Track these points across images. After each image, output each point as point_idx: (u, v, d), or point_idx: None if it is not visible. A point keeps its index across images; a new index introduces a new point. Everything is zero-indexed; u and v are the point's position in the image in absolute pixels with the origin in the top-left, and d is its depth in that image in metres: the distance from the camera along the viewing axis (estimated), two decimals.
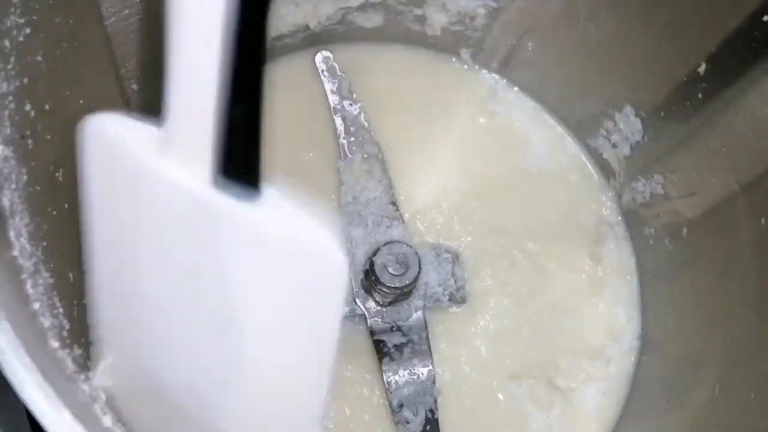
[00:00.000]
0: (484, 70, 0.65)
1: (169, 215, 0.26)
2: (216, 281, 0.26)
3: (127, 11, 0.45)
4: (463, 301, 0.58)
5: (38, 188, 0.38)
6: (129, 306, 0.31)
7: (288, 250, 0.25)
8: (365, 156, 0.60)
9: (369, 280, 0.54)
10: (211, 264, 0.26)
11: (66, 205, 0.43)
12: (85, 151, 0.29)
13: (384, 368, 0.54)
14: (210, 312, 0.28)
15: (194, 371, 0.30)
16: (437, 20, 0.61)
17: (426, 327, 0.56)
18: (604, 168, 0.63)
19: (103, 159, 0.28)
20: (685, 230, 0.55)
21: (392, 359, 0.55)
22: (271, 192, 0.25)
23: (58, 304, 0.39)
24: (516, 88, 0.65)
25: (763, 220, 0.46)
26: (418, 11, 0.61)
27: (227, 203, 0.25)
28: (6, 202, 0.35)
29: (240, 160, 0.25)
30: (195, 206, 0.25)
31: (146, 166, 0.26)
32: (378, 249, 0.54)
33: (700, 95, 0.50)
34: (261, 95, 0.24)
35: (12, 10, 0.35)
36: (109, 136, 0.27)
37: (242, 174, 0.25)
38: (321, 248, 0.25)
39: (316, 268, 0.25)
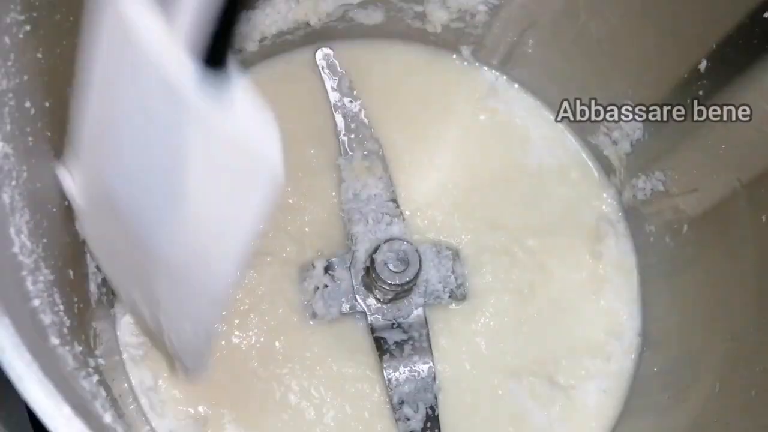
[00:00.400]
0: (484, 67, 0.65)
1: (151, 84, 0.30)
2: (175, 138, 0.31)
3: None
4: (463, 298, 0.58)
5: (38, 185, 0.38)
6: (105, 135, 0.36)
7: (237, 148, 0.30)
8: (366, 153, 0.60)
9: (369, 277, 0.54)
10: (174, 126, 0.31)
11: (66, 203, 0.43)
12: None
13: (384, 365, 0.54)
14: (165, 159, 0.32)
15: (145, 199, 0.36)
16: (438, 17, 0.61)
17: (426, 324, 0.56)
18: (605, 165, 0.62)
19: (114, 20, 0.31)
20: (685, 227, 0.55)
21: (393, 356, 0.55)
22: (238, 92, 0.29)
23: (58, 300, 0.39)
24: (516, 85, 0.65)
25: (764, 217, 0.46)
26: (418, 8, 0.61)
27: (199, 93, 0.29)
28: (6, 199, 0.35)
29: (212, 45, 0.28)
30: (174, 82, 0.29)
31: (145, 40, 0.29)
32: (378, 246, 0.54)
33: (700, 92, 0.50)
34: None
35: (12, 7, 0.35)
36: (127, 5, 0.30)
37: (212, 54, 0.28)
38: (263, 158, 0.30)
39: (253, 172, 0.30)
